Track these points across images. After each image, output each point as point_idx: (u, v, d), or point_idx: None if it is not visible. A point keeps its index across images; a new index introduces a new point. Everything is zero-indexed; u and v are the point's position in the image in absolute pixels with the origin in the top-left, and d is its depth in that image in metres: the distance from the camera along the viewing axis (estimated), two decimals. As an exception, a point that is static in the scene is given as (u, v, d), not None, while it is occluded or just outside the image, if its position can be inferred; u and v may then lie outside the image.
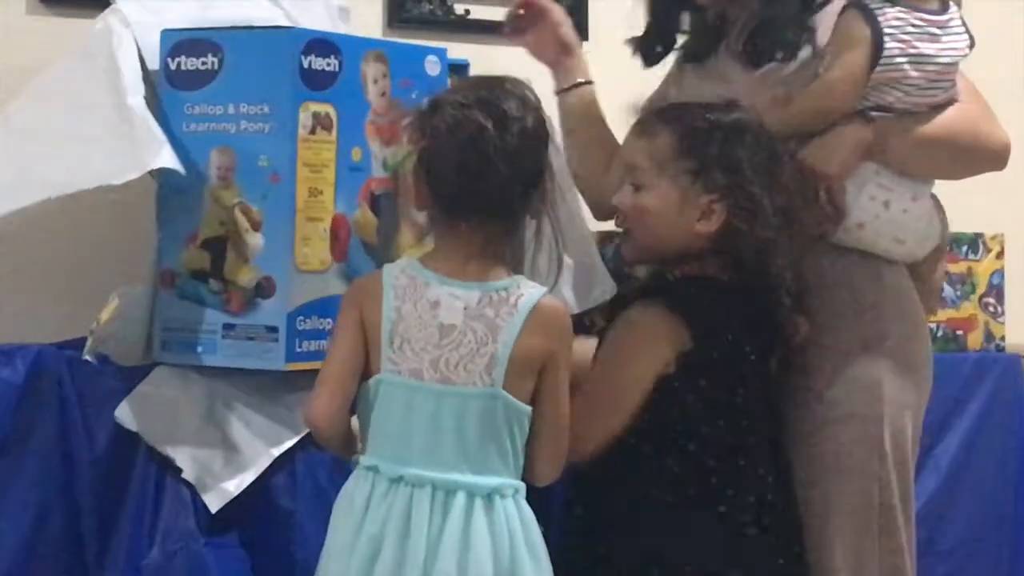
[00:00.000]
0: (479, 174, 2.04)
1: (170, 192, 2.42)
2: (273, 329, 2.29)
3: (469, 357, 2.04)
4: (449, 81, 2.55)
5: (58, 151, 2.36)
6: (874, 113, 2.42)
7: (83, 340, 2.46)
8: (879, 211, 2.44)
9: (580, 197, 2.73)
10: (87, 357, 2.36)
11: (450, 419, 2.04)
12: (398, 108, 2.40)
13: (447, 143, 2.04)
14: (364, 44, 2.49)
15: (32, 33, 3.00)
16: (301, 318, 2.31)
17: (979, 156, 2.56)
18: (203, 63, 2.38)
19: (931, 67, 2.40)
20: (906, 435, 2.50)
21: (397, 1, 3.33)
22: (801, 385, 2.44)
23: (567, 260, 2.32)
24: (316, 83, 2.33)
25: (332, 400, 2.11)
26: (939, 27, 2.41)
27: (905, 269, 2.53)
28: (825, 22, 2.51)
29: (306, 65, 2.31)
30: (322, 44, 2.36)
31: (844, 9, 2.42)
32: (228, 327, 2.34)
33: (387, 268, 2.12)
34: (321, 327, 2.32)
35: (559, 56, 2.75)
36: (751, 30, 2.58)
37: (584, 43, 3.04)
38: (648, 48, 2.74)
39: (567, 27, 2.75)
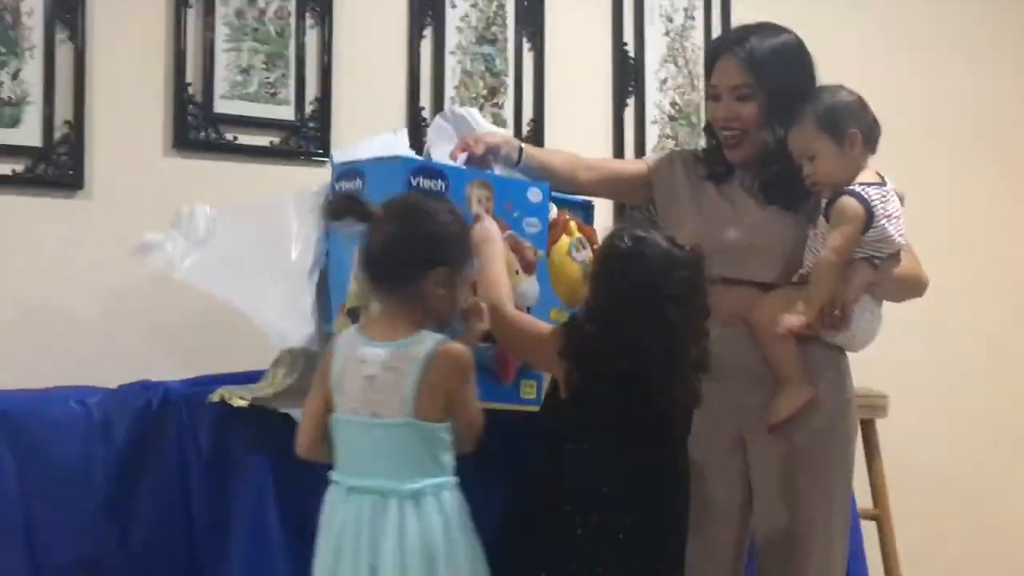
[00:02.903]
0: (371, 264, 2.43)
1: (331, 276, 2.75)
2: None
3: (387, 397, 2.37)
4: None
5: (251, 273, 2.71)
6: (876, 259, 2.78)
7: (200, 378, 2.87)
8: (862, 322, 2.84)
9: None
10: (242, 404, 2.67)
11: (380, 443, 2.38)
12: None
13: (364, 241, 2.44)
14: (471, 174, 2.75)
15: (168, 172, 3.36)
16: None
17: (919, 288, 2.95)
18: (352, 185, 2.70)
19: (896, 223, 2.78)
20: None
21: (179, 129, 3.39)
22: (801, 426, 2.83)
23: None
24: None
25: (305, 435, 2.47)
26: (884, 192, 2.78)
27: None
28: None
29: (415, 184, 2.60)
30: (428, 170, 2.66)
31: (837, 195, 2.76)
32: None
33: (339, 336, 2.50)
34: None
35: (497, 152, 2.91)
36: (762, 176, 2.90)
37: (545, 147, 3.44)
38: (713, 172, 2.99)
39: (485, 139, 2.90)
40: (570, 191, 3.05)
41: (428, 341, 2.39)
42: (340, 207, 2.49)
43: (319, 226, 2.81)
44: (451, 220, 2.46)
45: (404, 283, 2.42)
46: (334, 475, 2.42)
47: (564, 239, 2.91)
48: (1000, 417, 4.53)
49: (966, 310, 4.32)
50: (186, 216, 2.89)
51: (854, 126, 2.79)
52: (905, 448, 4.06)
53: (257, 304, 2.76)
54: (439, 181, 2.65)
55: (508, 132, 3.16)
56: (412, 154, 2.93)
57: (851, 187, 2.76)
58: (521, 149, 2.98)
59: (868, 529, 3.54)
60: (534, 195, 2.83)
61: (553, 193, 2.90)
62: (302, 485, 2.57)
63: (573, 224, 2.93)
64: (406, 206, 2.47)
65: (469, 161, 2.85)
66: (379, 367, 2.39)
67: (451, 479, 2.41)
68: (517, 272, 2.73)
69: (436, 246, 2.43)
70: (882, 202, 2.77)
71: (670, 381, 2.46)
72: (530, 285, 2.78)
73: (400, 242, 2.42)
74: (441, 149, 2.98)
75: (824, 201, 2.80)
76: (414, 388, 2.37)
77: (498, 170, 2.90)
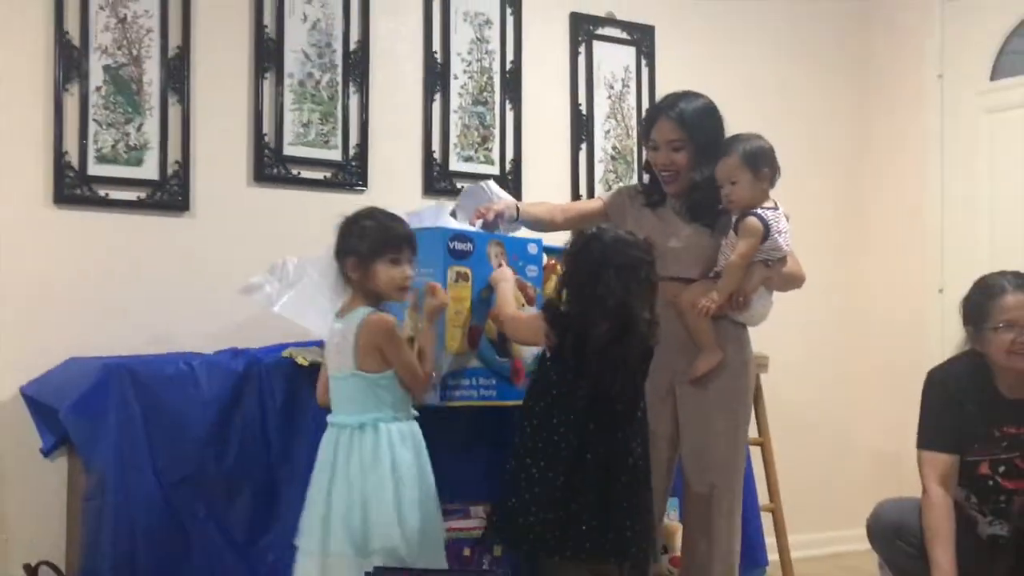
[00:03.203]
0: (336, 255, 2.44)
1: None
2: (433, 385, 2.58)
3: (342, 357, 2.39)
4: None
5: (324, 309, 2.67)
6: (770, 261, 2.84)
7: (273, 346, 2.85)
8: (760, 306, 2.90)
9: None
10: (304, 363, 2.70)
11: (342, 391, 2.42)
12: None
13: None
14: (488, 236, 2.79)
15: (250, 198, 3.34)
16: (449, 380, 2.64)
17: (799, 282, 3.02)
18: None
19: (784, 236, 2.83)
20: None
21: (259, 167, 3.35)
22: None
23: None
24: (458, 255, 2.65)
25: (319, 390, 2.54)
26: (777, 214, 2.83)
27: None
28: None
29: (451, 247, 2.64)
30: (462, 235, 2.69)
31: (744, 215, 2.79)
32: None
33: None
34: (459, 383, 2.66)
35: (503, 215, 2.94)
36: (688, 203, 2.91)
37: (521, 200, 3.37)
38: (650, 201, 2.98)
39: (494, 207, 2.95)
40: (553, 231, 3.10)
41: (361, 313, 2.39)
42: None
43: None
44: (367, 223, 2.44)
45: (338, 269, 2.44)
46: (328, 417, 2.46)
47: (553, 278, 2.94)
48: (847, 368, 4.54)
49: (824, 297, 4.31)
50: (280, 265, 2.98)
51: (767, 167, 2.83)
52: (780, 393, 4.06)
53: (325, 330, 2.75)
54: (468, 243, 2.69)
55: (509, 199, 3.12)
56: (449, 222, 2.92)
57: (755, 210, 2.79)
58: (518, 208, 3.03)
59: (754, 452, 3.54)
60: (532, 248, 2.87)
61: (544, 244, 2.93)
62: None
63: (559, 267, 2.90)
64: (352, 214, 2.48)
65: (484, 225, 2.89)
66: (339, 336, 2.41)
67: (392, 414, 2.39)
68: (523, 305, 2.75)
69: (344, 241, 2.43)
70: (775, 222, 2.81)
71: (628, 333, 2.39)
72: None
73: (336, 239, 2.45)
74: (466, 211, 3.03)
75: (734, 218, 2.83)
76: (354, 348, 2.37)
77: (503, 227, 2.94)
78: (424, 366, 2.45)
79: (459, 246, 2.67)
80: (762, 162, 2.82)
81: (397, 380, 2.41)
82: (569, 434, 2.36)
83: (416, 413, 2.49)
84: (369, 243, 2.41)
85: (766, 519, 3.76)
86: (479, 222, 2.90)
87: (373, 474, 2.34)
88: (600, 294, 2.36)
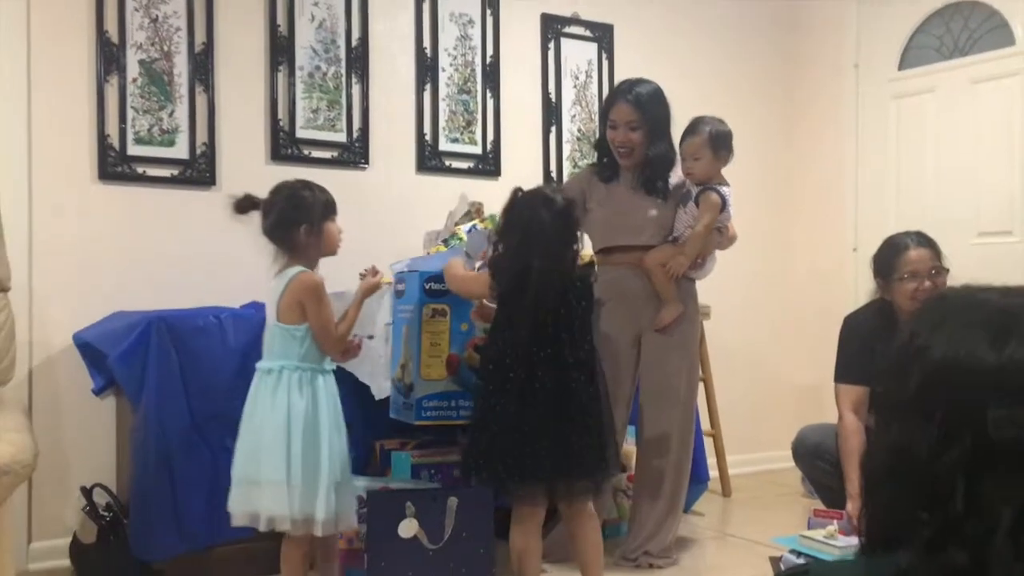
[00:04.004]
0: (268, 231, 2.31)
1: (394, 341, 2.69)
2: (411, 406, 2.56)
3: (272, 309, 2.29)
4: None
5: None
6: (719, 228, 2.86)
7: None
8: (710, 265, 2.91)
9: None
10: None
11: (266, 339, 2.32)
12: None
13: (262, 219, 2.33)
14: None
15: (268, 174, 3.11)
16: (424, 401, 2.55)
17: (735, 242, 3.02)
18: (401, 287, 2.66)
19: (730, 210, 2.86)
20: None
21: (275, 148, 3.28)
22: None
23: None
24: (434, 295, 2.56)
25: None
26: (729, 190, 2.86)
27: None
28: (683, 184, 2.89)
29: (427, 288, 2.55)
30: (438, 277, 2.55)
31: (704, 189, 2.77)
32: (403, 402, 2.61)
33: None
34: (433, 405, 2.55)
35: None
36: (642, 176, 2.86)
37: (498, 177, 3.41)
38: (603, 177, 2.94)
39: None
40: None
41: (296, 270, 2.29)
42: (242, 205, 2.35)
43: (389, 312, 2.76)
44: (307, 194, 2.33)
45: (283, 238, 2.31)
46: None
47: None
48: (776, 315, 4.55)
49: (757, 256, 4.31)
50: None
51: (725, 150, 2.85)
52: (720, 337, 4.06)
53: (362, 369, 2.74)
54: (443, 284, 2.55)
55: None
56: (428, 265, 2.77)
57: (713, 185, 2.81)
58: None
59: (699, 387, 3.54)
60: None
61: None
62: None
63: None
64: (278, 189, 2.36)
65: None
66: (273, 292, 2.31)
67: (297, 364, 2.25)
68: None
69: (289, 215, 2.30)
70: (728, 196, 2.83)
71: (557, 268, 2.32)
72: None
73: (277, 213, 2.31)
74: (475, 249, 2.88)
75: (694, 193, 2.83)
76: (279, 301, 2.28)
77: None
78: (340, 328, 2.31)
79: (435, 286, 2.57)
80: (723, 145, 2.83)
81: (310, 335, 2.28)
82: (518, 367, 2.27)
83: (332, 367, 2.36)
84: (318, 210, 2.32)
85: (708, 443, 3.78)
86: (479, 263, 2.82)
87: (271, 415, 2.23)
88: (532, 233, 2.31)
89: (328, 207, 2.35)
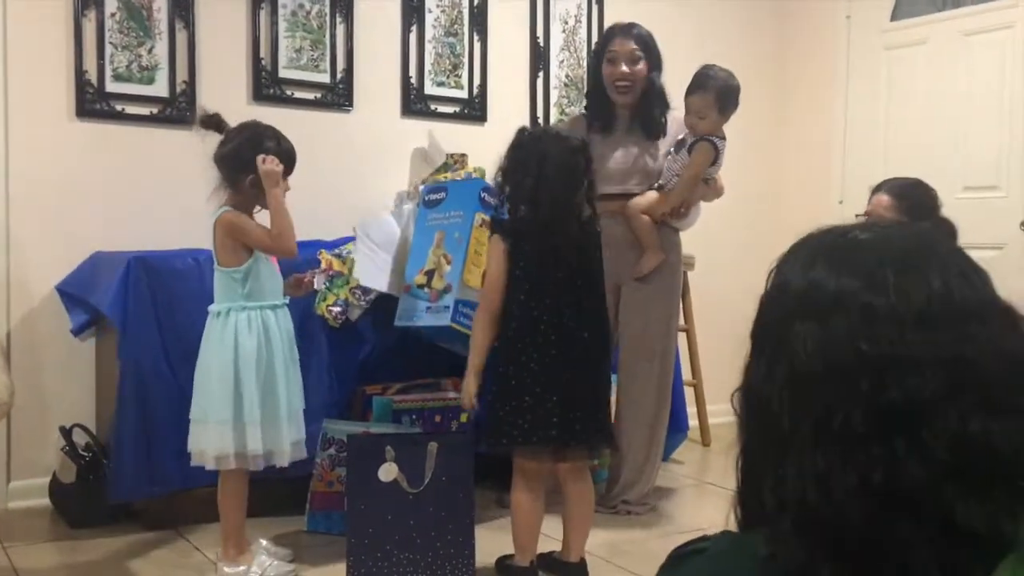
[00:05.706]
0: (219, 163, 2.29)
1: (416, 247, 2.68)
2: (447, 307, 2.56)
3: (214, 252, 2.30)
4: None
5: (386, 259, 2.66)
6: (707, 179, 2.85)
7: None
8: (694, 215, 2.88)
9: None
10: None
11: (213, 282, 2.32)
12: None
13: (218, 149, 2.29)
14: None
15: (250, 114, 3.06)
16: (460, 306, 2.56)
17: (721, 194, 3.00)
18: (438, 196, 2.66)
19: (721, 160, 2.84)
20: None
21: (257, 87, 3.21)
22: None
23: None
24: (486, 205, 2.58)
25: None
26: (724, 143, 2.84)
27: None
28: (674, 130, 2.87)
29: (482, 197, 2.58)
30: (490, 189, 2.59)
31: (700, 139, 2.74)
32: (428, 307, 2.61)
33: None
34: (468, 312, 2.54)
35: None
36: (641, 112, 2.83)
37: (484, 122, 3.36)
38: (594, 125, 2.90)
39: None
40: None
41: (221, 211, 2.28)
42: (207, 122, 2.31)
43: (413, 218, 2.75)
44: (271, 144, 2.27)
45: (228, 176, 2.28)
46: None
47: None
48: (759, 267, 4.51)
49: (744, 207, 4.26)
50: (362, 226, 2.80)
51: (732, 107, 2.83)
52: (703, 288, 4.04)
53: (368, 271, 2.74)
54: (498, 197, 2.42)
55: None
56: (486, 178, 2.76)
57: (710, 136, 2.79)
58: None
59: (680, 338, 3.55)
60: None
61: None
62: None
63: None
64: (246, 127, 2.29)
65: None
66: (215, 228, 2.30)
67: (243, 304, 2.26)
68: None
69: (253, 155, 2.25)
70: (723, 149, 2.83)
71: (570, 215, 2.23)
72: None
73: (234, 149, 2.27)
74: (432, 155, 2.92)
75: (689, 141, 2.81)
76: (214, 246, 2.29)
77: None
78: (274, 227, 2.25)
79: (488, 198, 2.60)
80: (730, 104, 2.81)
81: (250, 274, 2.27)
82: (547, 323, 2.18)
83: (286, 302, 2.35)
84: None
85: (689, 392, 3.79)
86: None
87: (217, 357, 2.23)
88: (545, 173, 2.18)
89: (288, 166, 2.30)
